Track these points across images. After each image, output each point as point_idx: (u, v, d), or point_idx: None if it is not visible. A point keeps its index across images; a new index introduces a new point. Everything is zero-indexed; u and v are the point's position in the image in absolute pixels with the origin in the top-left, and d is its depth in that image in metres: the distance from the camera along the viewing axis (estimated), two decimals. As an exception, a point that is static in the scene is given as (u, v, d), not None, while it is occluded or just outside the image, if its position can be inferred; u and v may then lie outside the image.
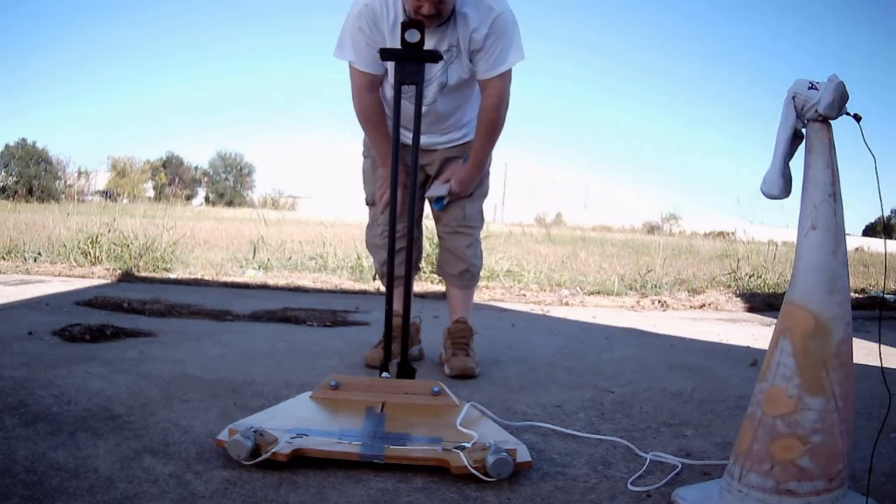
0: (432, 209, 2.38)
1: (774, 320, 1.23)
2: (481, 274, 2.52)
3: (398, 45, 2.02)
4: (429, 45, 2.03)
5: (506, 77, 2.12)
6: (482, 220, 2.42)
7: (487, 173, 2.38)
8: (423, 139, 2.22)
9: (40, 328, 2.62)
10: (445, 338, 2.35)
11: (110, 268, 4.98)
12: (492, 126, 2.19)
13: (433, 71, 2.11)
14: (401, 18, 2.02)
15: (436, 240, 4.78)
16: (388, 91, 2.20)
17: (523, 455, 1.34)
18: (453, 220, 2.34)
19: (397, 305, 2.15)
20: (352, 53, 2.10)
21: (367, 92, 2.16)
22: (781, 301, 1.19)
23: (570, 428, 1.65)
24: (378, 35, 2.05)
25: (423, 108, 2.12)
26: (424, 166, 2.34)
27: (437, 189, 2.28)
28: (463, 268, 2.36)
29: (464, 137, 2.31)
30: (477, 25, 2.03)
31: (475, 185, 2.33)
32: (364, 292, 4.67)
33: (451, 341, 2.30)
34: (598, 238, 13.28)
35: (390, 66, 2.10)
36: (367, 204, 2.42)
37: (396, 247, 2.26)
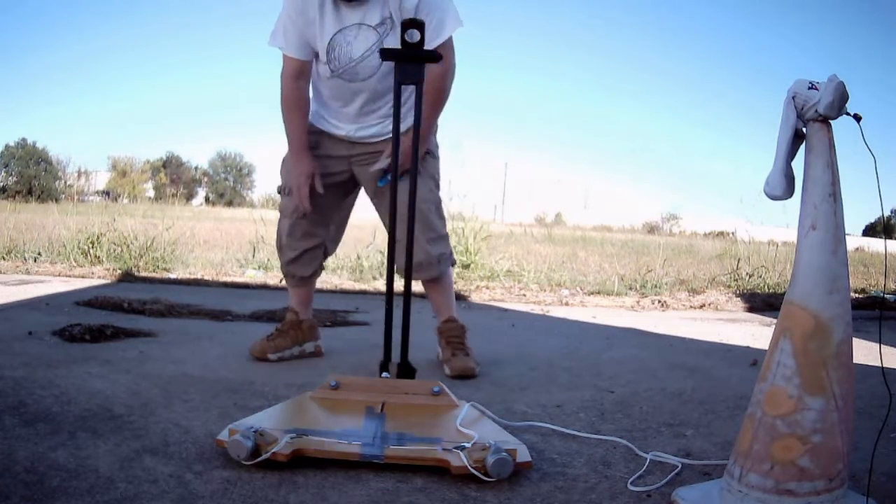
0: (374, 191, 2.28)
1: (774, 320, 1.23)
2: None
3: (327, 30, 2.04)
4: (358, 17, 2.05)
5: (447, 46, 2.08)
6: (436, 203, 2.27)
7: (437, 157, 2.30)
8: (361, 132, 2.20)
9: (40, 328, 2.62)
10: (439, 338, 2.35)
11: (110, 268, 4.98)
12: (437, 96, 2.14)
13: (368, 44, 2.08)
14: (329, 3, 2.03)
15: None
16: (321, 82, 2.19)
17: (523, 455, 1.34)
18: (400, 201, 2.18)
19: (292, 303, 2.38)
20: (282, 40, 2.11)
21: (294, 78, 2.14)
22: (781, 301, 1.19)
23: (570, 428, 1.65)
24: (305, 20, 2.06)
25: (358, 85, 2.13)
26: (350, 158, 2.27)
27: (381, 162, 2.19)
28: (417, 258, 2.12)
29: (388, 129, 2.20)
30: None
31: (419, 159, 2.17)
32: (364, 292, 4.67)
33: (446, 341, 2.30)
34: (598, 238, 13.27)
35: (321, 52, 2.10)
36: (279, 192, 2.33)
37: (307, 246, 2.31)
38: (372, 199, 2.34)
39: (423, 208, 2.19)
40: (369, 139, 2.23)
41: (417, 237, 2.11)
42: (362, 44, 2.07)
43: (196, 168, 45.07)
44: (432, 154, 2.29)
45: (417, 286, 5.14)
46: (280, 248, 2.37)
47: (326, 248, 2.41)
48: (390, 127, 2.14)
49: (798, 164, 1.19)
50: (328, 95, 2.21)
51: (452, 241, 5.28)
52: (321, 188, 2.20)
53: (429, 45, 2.03)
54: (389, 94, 2.15)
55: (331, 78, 2.15)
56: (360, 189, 2.39)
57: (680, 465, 1.41)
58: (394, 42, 2.05)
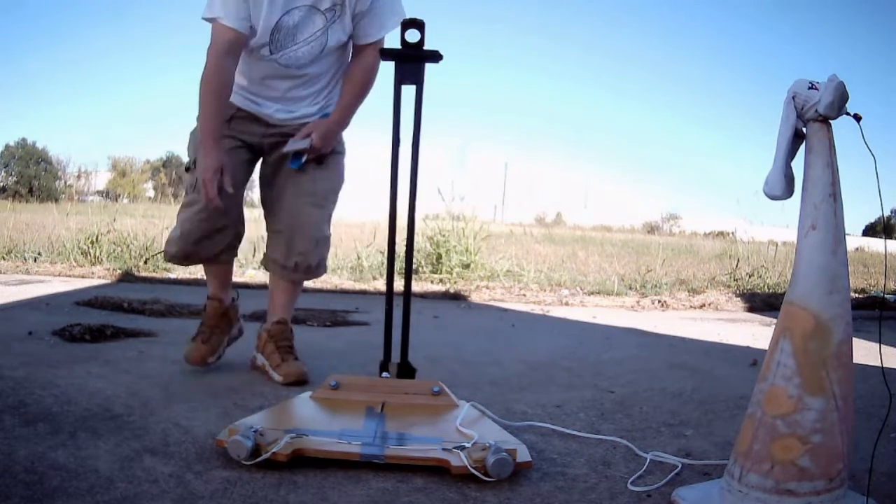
0: (276, 172, 2.10)
1: (774, 320, 1.23)
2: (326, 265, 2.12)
3: (275, 9, 1.88)
4: (309, 2, 1.91)
5: (383, 39, 2.03)
6: (333, 203, 2.11)
7: (343, 154, 2.15)
8: (282, 114, 2.04)
9: (40, 328, 2.62)
10: (264, 342, 2.11)
11: (110, 268, 4.98)
12: (366, 86, 2.06)
13: (314, 29, 1.95)
14: None
15: (427, 233, 4.59)
16: (251, 63, 2.00)
17: (523, 455, 1.34)
18: (301, 190, 2.03)
19: (214, 289, 2.16)
20: (220, 8, 1.87)
21: (225, 54, 1.88)
22: (781, 301, 1.19)
23: (570, 428, 1.65)
24: None
25: (296, 71, 1.99)
26: (263, 139, 2.08)
27: (298, 143, 2.01)
28: (296, 260, 2.03)
29: (311, 112, 2.08)
30: None
31: (333, 146, 2.07)
32: (364, 292, 4.67)
33: (276, 345, 2.07)
34: (598, 238, 13.27)
35: (262, 32, 1.91)
36: (185, 168, 2.08)
37: (216, 225, 2.02)
38: (268, 181, 2.12)
39: (323, 205, 2.06)
40: (290, 122, 2.06)
41: (306, 233, 2.02)
42: (308, 28, 1.94)
43: (196, 168, 44.95)
44: (343, 152, 2.14)
45: (417, 286, 5.11)
46: (183, 232, 2.04)
47: (238, 229, 2.15)
48: (313, 110, 2.06)
49: (798, 164, 1.19)
50: (256, 77, 2.03)
51: (452, 240, 5.32)
52: (231, 186, 1.94)
53: (374, 37, 2.00)
54: (321, 78, 2.06)
55: (265, 60, 1.97)
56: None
57: (680, 465, 1.41)
58: (340, 30, 1.98)
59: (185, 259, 2.09)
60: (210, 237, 2.04)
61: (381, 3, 1.97)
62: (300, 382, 1.99)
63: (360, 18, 1.99)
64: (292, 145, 2.01)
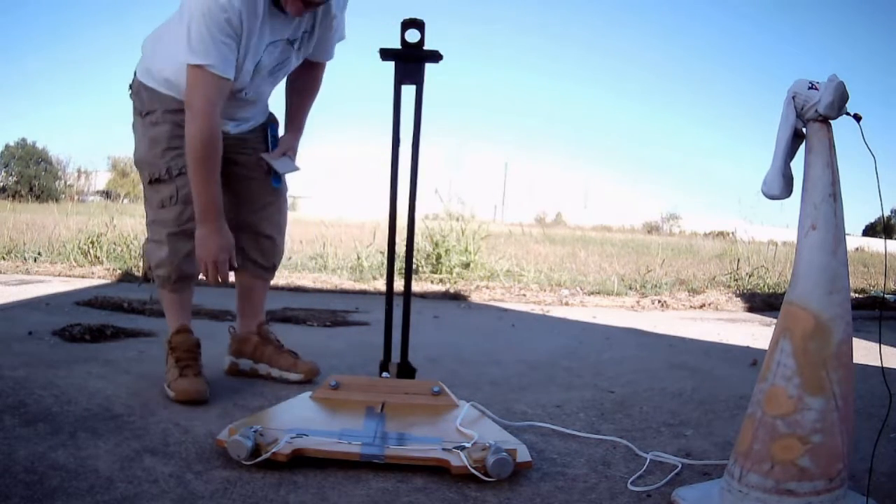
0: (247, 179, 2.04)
1: (774, 320, 1.23)
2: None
3: (261, 45, 1.77)
4: (289, 32, 1.82)
5: None
6: None
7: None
8: (238, 128, 1.97)
9: (40, 328, 2.62)
10: (255, 345, 2.10)
11: (110, 268, 4.98)
12: (316, 96, 2.10)
13: (282, 59, 1.88)
14: (266, 11, 1.73)
15: (427, 233, 4.51)
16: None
17: (523, 455, 1.34)
18: (279, 199, 2.11)
19: (184, 319, 1.95)
20: (214, 56, 1.67)
21: (218, 107, 1.71)
22: (781, 301, 1.19)
23: (570, 428, 1.65)
24: (249, 29, 1.71)
25: (252, 96, 1.91)
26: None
27: (288, 165, 2.04)
28: (276, 259, 2.14)
29: (259, 120, 2.05)
30: (336, 12, 1.92)
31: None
32: (364, 292, 4.67)
33: (276, 346, 2.10)
34: (597, 238, 13.27)
35: (242, 72, 1.76)
36: (153, 181, 1.87)
37: (191, 245, 1.84)
38: (252, 198, 2.05)
39: (284, 210, 2.16)
40: (243, 132, 2.00)
41: (284, 238, 2.15)
42: (274, 60, 1.85)
43: (196, 168, 44.83)
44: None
45: (417, 286, 5.11)
46: (171, 249, 1.89)
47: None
48: (260, 117, 2.03)
49: (798, 164, 1.19)
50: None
51: (452, 240, 5.32)
52: (236, 261, 1.88)
53: (333, 52, 2.01)
54: (265, 93, 2.01)
55: (235, 99, 1.84)
56: None
57: (680, 465, 1.41)
58: (303, 54, 1.93)
59: (179, 279, 1.93)
60: (189, 256, 1.89)
61: (339, 26, 1.98)
62: (314, 377, 2.03)
63: (324, 42, 1.97)
64: (285, 167, 2.07)
